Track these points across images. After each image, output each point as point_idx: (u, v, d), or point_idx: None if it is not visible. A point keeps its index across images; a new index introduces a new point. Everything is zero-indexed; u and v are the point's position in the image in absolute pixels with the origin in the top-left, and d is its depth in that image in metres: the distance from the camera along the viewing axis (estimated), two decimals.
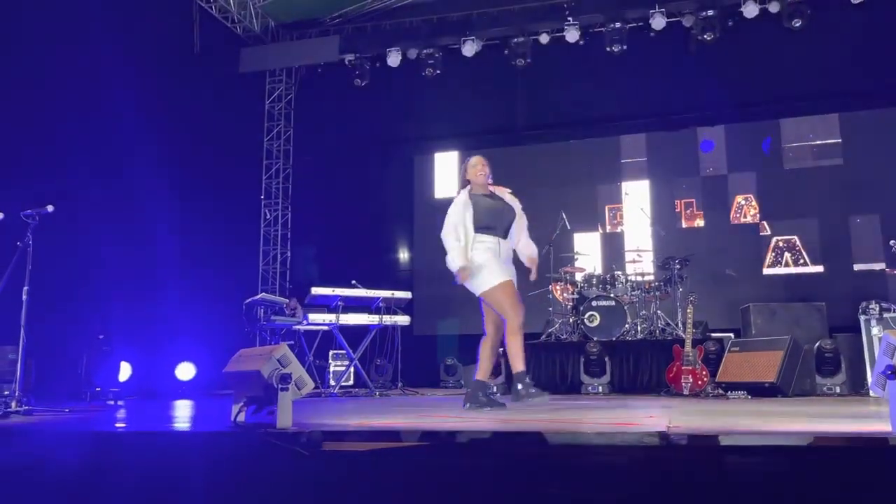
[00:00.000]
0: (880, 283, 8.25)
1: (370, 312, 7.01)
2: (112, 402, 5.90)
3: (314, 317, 6.72)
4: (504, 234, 4.32)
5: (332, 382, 7.72)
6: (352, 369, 7.91)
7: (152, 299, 7.72)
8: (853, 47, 8.60)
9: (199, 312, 7.85)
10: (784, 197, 9.02)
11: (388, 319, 7.03)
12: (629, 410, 4.14)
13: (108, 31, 7.20)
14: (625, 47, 9.26)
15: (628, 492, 2.23)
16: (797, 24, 8.69)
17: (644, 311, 7.52)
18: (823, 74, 8.83)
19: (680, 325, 7.12)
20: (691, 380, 6.03)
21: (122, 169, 7.51)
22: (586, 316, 7.25)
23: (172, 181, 7.93)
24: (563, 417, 3.60)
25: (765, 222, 9.09)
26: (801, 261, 8.89)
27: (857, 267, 8.60)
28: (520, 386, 4.12)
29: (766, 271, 9.00)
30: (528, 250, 4.48)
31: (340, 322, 6.81)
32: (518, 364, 4.14)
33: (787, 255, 8.96)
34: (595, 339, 7.03)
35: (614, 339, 7.12)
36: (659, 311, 7.41)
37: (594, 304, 7.29)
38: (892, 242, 6.12)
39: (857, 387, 6.12)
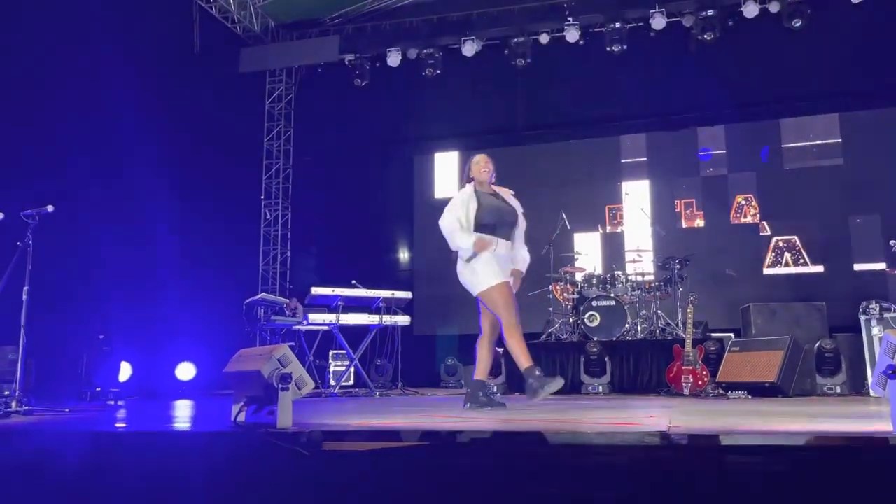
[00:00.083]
0: (880, 283, 8.23)
1: (370, 312, 7.01)
2: (112, 402, 5.89)
3: (314, 317, 6.72)
4: (504, 236, 4.31)
5: (333, 382, 7.72)
6: (352, 369, 7.91)
7: (152, 299, 7.71)
8: (853, 47, 8.60)
9: (199, 312, 7.84)
10: (784, 197, 9.02)
11: (388, 319, 7.03)
12: (629, 410, 4.13)
13: (108, 31, 7.20)
14: (625, 47, 9.26)
15: (628, 492, 2.23)
16: (797, 24, 8.70)
17: (644, 311, 7.52)
18: (823, 74, 8.84)
19: (680, 325, 7.12)
20: (691, 380, 6.03)
21: (122, 169, 7.51)
22: (586, 316, 7.25)
23: (172, 181, 7.93)
24: (563, 417, 3.60)
25: (765, 222, 9.09)
26: (802, 261, 8.88)
27: (857, 267, 8.60)
28: (531, 380, 4.03)
29: (766, 271, 9.00)
30: (522, 255, 4.47)
31: (340, 322, 6.81)
32: (523, 361, 4.09)
33: (787, 255, 8.96)
34: (595, 339, 7.03)
35: (614, 339, 7.12)
36: (659, 311, 7.41)
37: (594, 304, 7.29)
38: (892, 242, 6.12)
39: (857, 387, 6.12)
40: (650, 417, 3.40)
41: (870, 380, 5.80)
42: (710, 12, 8.97)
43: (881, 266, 8.37)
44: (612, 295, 7.41)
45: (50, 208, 4.56)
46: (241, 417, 3.04)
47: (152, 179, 7.45)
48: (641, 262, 7.94)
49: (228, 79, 10.14)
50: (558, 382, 4.06)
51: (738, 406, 4.51)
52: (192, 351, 7.91)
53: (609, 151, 9.81)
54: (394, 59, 10.03)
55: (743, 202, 9.21)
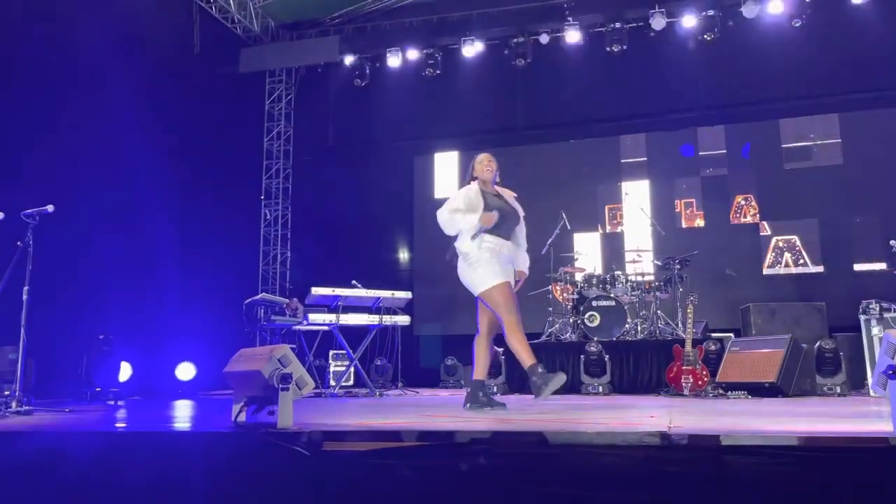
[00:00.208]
0: (880, 283, 8.22)
1: (370, 312, 7.01)
2: (112, 402, 5.89)
3: (314, 317, 6.72)
4: (507, 236, 4.31)
5: (333, 382, 7.72)
6: (352, 369, 7.91)
7: (152, 299, 7.71)
8: (853, 47, 8.61)
9: (199, 312, 7.84)
10: (784, 197, 9.02)
11: (388, 319, 7.03)
12: (629, 410, 4.13)
13: (108, 30, 7.20)
14: (625, 47, 9.28)
15: (628, 492, 2.23)
16: (797, 24, 8.70)
17: (644, 311, 7.52)
18: (823, 74, 8.84)
19: (680, 325, 7.12)
20: (691, 380, 6.03)
21: (121, 169, 7.50)
22: (586, 316, 7.26)
23: (172, 181, 7.93)
24: (563, 417, 3.60)
25: (765, 222, 9.09)
26: (801, 261, 8.89)
27: (857, 267, 8.60)
28: (534, 377, 4.03)
29: (766, 271, 9.00)
30: (523, 256, 4.46)
31: (340, 322, 6.81)
32: (526, 359, 4.08)
33: (787, 255, 8.96)
34: (595, 339, 7.03)
35: (614, 339, 7.12)
36: (659, 311, 7.41)
37: (594, 304, 7.30)
38: (892, 242, 6.12)
39: (857, 387, 6.12)
40: (650, 417, 3.40)
41: (870, 380, 5.80)
42: (710, 12, 8.98)
43: (881, 266, 8.36)
44: (611, 295, 7.41)
45: (50, 208, 4.56)
46: (242, 417, 3.04)
47: (152, 179, 7.45)
48: (641, 262, 7.95)
49: (228, 79, 10.15)
50: (561, 378, 4.06)
51: (738, 406, 4.51)
52: (192, 351, 7.90)
53: (609, 151, 9.81)
54: (394, 59, 10.03)
55: (743, 202, 9.22)
